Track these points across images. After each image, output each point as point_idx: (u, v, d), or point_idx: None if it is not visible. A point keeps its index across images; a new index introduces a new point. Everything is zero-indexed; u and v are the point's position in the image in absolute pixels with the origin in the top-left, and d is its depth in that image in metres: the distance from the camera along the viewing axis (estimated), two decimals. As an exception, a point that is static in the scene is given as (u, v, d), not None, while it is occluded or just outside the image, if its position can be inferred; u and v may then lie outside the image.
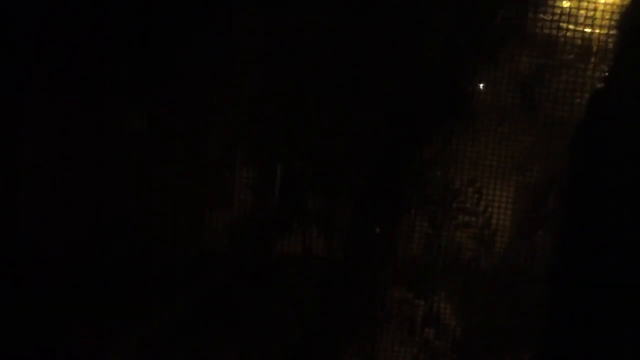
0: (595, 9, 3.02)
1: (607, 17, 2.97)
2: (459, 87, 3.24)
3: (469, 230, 3.43)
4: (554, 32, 3.06)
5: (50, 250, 3.02)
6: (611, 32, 2.93)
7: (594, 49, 3.02)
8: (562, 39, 3.07)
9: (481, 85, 3.28)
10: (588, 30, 3.02)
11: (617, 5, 2.95)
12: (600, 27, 3.01)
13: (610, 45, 2.91)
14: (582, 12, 3.03)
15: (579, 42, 3.07)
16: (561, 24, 3.03)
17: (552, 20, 3.04)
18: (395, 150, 3.28)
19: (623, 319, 1.68)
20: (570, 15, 3.04)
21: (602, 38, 3.00)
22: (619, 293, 1.69)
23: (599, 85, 2.39)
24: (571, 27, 3.02)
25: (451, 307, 3.48)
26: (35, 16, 2.75)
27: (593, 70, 3.01)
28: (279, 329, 3.32)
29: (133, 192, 3.13)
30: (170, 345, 3.20)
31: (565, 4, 3.04)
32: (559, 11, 3.04)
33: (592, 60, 3.01)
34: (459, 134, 3.30)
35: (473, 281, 3.46)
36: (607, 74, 2.52)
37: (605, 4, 3.01)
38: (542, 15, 3.04)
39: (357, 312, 3.39)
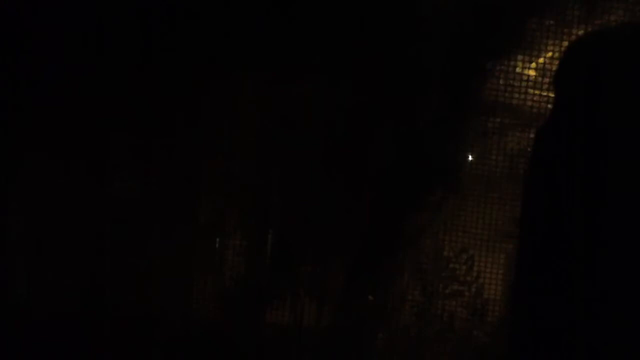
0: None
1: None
2: (449, 156, 3.42)
3: (460, 299, 3.50)
4: (522, 99, 3.26)
5: (39, 313, 3.23)
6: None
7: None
8: (530, 105, 3.27)
9: (470, 155, 3.47)
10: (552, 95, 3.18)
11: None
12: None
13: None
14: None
15: (544, 107, 3.25)
16: (529, 90, 3.23)
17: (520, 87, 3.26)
18: (386, 219, 3.44)
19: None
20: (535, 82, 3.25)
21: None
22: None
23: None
24: (537, 92, 3.21)
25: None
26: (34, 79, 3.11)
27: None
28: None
29: (121, 257, 3.32)
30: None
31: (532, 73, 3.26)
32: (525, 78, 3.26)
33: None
34: (449, 203, 3.46)
35: (465, 351, 3.48)
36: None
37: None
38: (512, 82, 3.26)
39: None
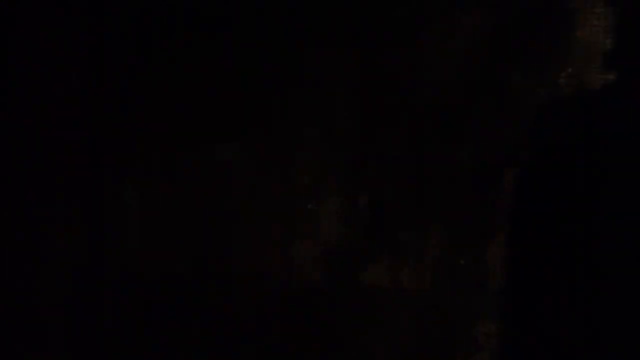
0: None
1: None
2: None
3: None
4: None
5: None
6: None
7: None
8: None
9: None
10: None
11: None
12: None
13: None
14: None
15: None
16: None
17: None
18: (477, 180, 3.36)
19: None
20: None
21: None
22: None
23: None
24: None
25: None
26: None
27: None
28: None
29: (218, 222, 3.40)
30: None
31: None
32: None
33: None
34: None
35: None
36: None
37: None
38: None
39: (446, 344, 3.41)
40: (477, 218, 3.33)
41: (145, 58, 3.34)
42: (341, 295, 3.42)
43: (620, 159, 1.67)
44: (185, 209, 3.38)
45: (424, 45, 3.29)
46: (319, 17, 3.31)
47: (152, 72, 3.33)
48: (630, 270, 1.59)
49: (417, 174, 3.39)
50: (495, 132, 3.27)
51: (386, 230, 3.42)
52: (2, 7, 2.86)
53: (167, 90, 3.33)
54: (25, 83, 3.05)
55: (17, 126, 3.09)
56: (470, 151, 3.30)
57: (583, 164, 1.70)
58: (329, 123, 3.41)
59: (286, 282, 3.41)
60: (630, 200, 1.61)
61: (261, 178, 3.39)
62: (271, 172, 3.40)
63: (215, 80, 3.35)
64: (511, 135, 3.25)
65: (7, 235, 3.12)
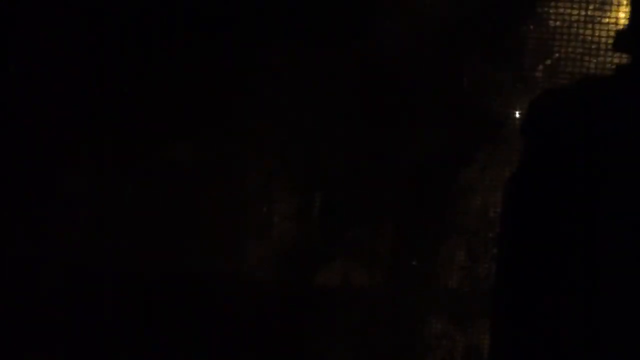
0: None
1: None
2: (495, 112, 3.32)
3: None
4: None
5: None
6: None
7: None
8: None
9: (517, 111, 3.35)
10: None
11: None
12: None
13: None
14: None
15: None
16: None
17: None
18: (432, 178, 3.37)
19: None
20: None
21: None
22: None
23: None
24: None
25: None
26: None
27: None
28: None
29: (170, 222, 3.38)
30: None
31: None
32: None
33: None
34: (494, 160, 3.36)
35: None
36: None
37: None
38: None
39: (397, 344, 3.43)
40: (430, 217, 3.35)
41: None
42: (292, 293, 3.41)
43: (620, 159, 1.66)
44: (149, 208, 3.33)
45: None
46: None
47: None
48: (631, 270, 1.59)
49: (371, 173, 3.38)
50: (453, 130, 3.28)
51: (337, 229, 3.41)
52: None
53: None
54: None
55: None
56: (425, 150, 3.32)
57: (582, 163, 1.70)
58: (284, 123, 3.37)
59: (241, 282, 3.38)
60: (630, 200, 1.61)
61: (214, 178, 3.36)
62: (224, 172, 3.36)
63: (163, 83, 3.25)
64: (469, 133, 3.27)
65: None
